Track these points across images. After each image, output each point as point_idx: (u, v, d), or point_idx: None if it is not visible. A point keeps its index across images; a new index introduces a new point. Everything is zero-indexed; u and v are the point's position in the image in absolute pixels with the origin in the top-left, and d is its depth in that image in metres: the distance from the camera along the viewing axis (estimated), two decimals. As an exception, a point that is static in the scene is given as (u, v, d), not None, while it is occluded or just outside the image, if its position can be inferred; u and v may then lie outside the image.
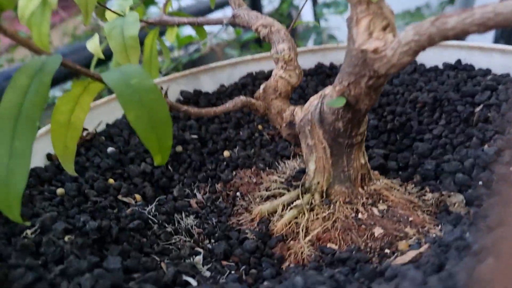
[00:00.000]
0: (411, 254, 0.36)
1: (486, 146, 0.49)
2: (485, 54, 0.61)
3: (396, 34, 0.37)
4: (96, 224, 0.41)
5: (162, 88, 0.69)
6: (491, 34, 1.62)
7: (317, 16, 1.81)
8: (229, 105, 0.48)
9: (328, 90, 0.45)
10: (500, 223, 0.20)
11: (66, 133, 0.42)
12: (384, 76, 0.37)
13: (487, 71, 0.61)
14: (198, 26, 0.79)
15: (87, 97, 0.43)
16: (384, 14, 0.37)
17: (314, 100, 0.46)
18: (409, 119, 0.59)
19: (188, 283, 0.37)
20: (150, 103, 0.36)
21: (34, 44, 0.37)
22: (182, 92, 0.71)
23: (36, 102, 0.33)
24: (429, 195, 0.49)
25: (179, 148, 0.62)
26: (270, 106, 0.51)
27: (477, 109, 0.54)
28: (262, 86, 0.52)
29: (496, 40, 1.45)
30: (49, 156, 0.55)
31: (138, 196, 0.52)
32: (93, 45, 0.72)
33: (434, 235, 0.42)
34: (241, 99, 0.49)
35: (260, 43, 1.85)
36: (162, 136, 0.36)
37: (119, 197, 0.51)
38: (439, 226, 0.44)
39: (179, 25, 0.70)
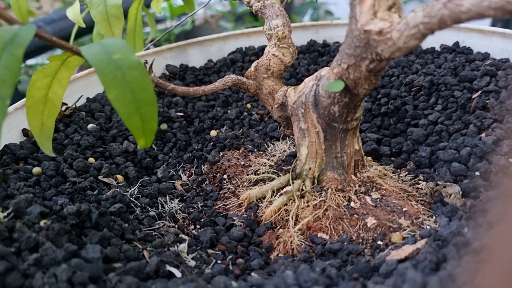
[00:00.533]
0: (408, 249, 0.34)
1: (483, 135, 0.47)
2: (484, 37, 0.59)
3: (402, 15, 0.35)
4: (74, 208, 0.39)
5: (146, 62, 0.66)
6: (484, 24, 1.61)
7: None
8: (218, 83, 0.45)
9: (324, 71, 0.42)
10: (500, 218, 0.19)
11: (43, 110, 0.39)
12: (387, 59, 0.34)
13: (486, 55, 0.59)
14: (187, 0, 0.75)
15: (66, 71, 0.40)
16: (390, -8, 0.34)
17: (309, 82, 0.44)
18: (404, 103, 0.57)
19: (171, 274, 0.35)
20: (134, 81, 0.33)
21: (7, 14, 0.34)
22: (168, 66, 0.68)
23: (6, 78, 0.30)
24: (423, 184, 0.47)
25: (164, 126, 0.59)
26: (261, 85, 0.49)
27: (475, 95, 0.52)
28: (254, 64, 0.49)
29: (494, 24, 1.43)
30: (25, 132, 0.52)
31: (120, 177, 0.50)
32: (73, 13, 0.68)
33: (429, 227, 0.40)
34: (231, 77, 0.46)
35: (256, 16, 1.81)
36: (147, 117, 0.33)
37: (100, 177, 0.49)
38: (434, 218, 0.42)
39: (166, -5, 0.66)
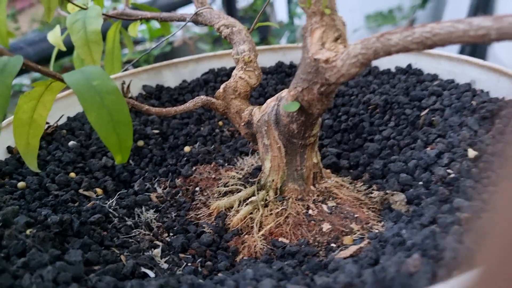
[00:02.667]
0: (352, 249, 0.39)
1: (429, 149, 0.53)
2: (433, 60, 0.66)
3: (347, 45, 0.40)
4: (57, 218, 0.43)
5: (124, 83, 0.70)
6: (454, 52, 1.71)
7: (291, 14, 1.83)
8: (189, 104, 0.50)
9: (284, 93, 0.47)
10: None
11: (28, 130, 0.43)
12: (334, 84, 0.40)
13: (435, 76, 0.65)
14: (162, 21, 0.80)
15: (49, 95, 0.44)
16: (336, 25, 0.40)
17: (271, 102, 0.49)
18: (362, 120, 0.62)
19: (146, 274, 0.39)
20: (111, 104, 0.38)
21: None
22: (144, 87, 0.72)
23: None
24: (375, 193, 0.53)
25: (140, 143, 0.63)
26: (229, 105, 0.54)
27: (423, 113, 0.58)
28: (222, 86, 0.54)
29: (463, 49, 1.52)
30: (9, 149, 0.56)
31: (99, 190, 0.54)
32: (54, 37, 0.72)
33: (376, 231, 0.45)
34: (201, 98, 0.51)
35: None
36: (123, 136, 0.38)
37: (80, 191, 0.53)
38: (382, 223, 0.47)
39: (141, 19, 0.71)
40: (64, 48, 0.72)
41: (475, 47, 1.51)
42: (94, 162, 0.57)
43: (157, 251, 0.44)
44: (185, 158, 0.62)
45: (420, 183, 0.49)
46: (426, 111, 0.58)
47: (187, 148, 0.64)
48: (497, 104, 0.53)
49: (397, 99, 0.62)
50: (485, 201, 0.39)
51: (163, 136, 0.66)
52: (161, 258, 0.43)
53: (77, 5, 0.63)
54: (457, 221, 0.37)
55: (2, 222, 0.41)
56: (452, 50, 1.71)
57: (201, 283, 0.35)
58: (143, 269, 0.40)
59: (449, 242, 0.33)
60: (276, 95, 0.49)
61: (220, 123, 0.69)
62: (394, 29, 0.36)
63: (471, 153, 0.48)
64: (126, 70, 0.72)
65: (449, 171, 0.47)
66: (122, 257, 0.41)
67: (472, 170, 0.45)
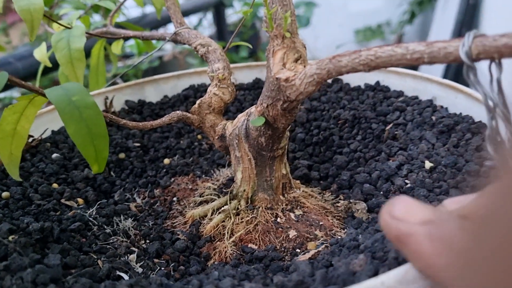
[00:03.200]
0: (312, 252, 0.43)
1: (391, 161, 0.57)
2: (399, 78, 0.70)
3: (307, 65, 0.44)
4: (38, 225, 0.45)
5: (107, 98, 0.74)
6: (440, 69, 1.77)
7: None
8: (165, 119, 0.53)
9: (253, 109, 0.51)
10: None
11: (11, 141, 0.46)
12: (295, 101, 0.43)
13: (400, 93, 0.69)
14: (144, 40, 0.84)
15: (32, 109, 0.47)
16: (296, 47, 0.43)
17: (241, 117, 0.52)
18: (332, 134, 0.66)
19: (121, 277, 0.42)
20: (89, 118, 0.41)
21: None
22: (127, 101, 0.76)
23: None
24: (341, 202, 0.56)
25: (121, 155, 0.66)
26: (204, 120, 0.57)
27: (388, 127, 0.62)
28: (197, 102, 0.57)
29: (447, 71, 1.58)
30: (-5, 161, 0.59)
31: (80, 200, 0.57)
32: (40, 54, 0.76)
33: (338, 237, 0.49)
34: (177, 113, 0.55)
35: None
36: (100, 148, 0.41)
37: (62, 200, 0.55)
38: (345, 230, 0.51)
39: (124, 38, 0.75)
40: (49, 65, 0.75)
41: (460, 70, 1.57)
42: (76, 174, 0.60)
43: (132, 256, 0.47)
44: (164, 170, 0.65)
45: (381, 192, 0.52)
46: (390, 125, 0.62)
47: (166, 161, 0.67)
48: (454, 119, 0.57)
49: (364, 114, 0.66)
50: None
51: (144, 149, 0.69)
52: (136, 263, 0.46)
53: (62, 25, 0.67)
54: (405, 226, 0.40)
55: (-15, 228, 0.44)
56: (436, 74, 1.77)
57: (169, 283, 0.38)
58: (118, 273, 0.43)
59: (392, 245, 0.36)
60: (246, 111, 0.52)
61: (199, 136, 0.73)
62: (383, 43, 0.40)
63: (428, 164, 0.52)
64: (113, 83, 0.75)
65: (406, 181, 0.51)
66: (99, 261, 0.44)
67: (426, 180, 0.49)
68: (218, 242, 0.51)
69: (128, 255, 0.47)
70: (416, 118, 0.61)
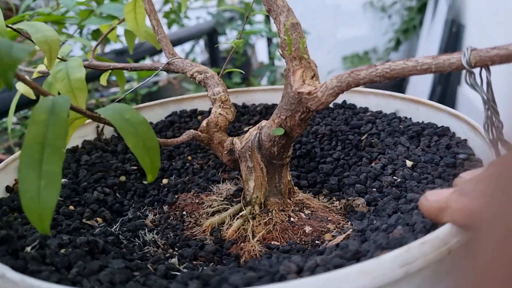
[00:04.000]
0: (340, 237, 0.50)
1: (373, 164, 0.66)
2: (363, 96, 0.81)
3: (319, 81, 0.52)
4: (85, 238, 0.48)
5: (98, 126, 0.77)
6: (426, 94, 1.95)
7: (271, 56, 1.97)
8: (185, 136, 0.58)
9: (264, 123, 0.58)
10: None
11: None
12: (313, 111, 0.52)
13: (366, 109, 0.80)
14: (118, 72, 0.88)
15: (71, 130, 0.51)
16: (311, 67, 0.52)
17: (253, 131, 0.59)
18: (314, 147, 0.75)
19: (176, 276, 0.46)
20: (143, 133, 0.46)
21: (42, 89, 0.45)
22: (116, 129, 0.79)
23: (59, 133, 0.41)
24: (336, 203, 0.64)
25: (122, 178, 0.70)
26: (212, 137, 0.63)
27: (363, 137, 0.72)
28: (205, 121, 0.63)
29: (434, 88, 1.75)
30: (8, 189, 0.60)
31: (99, 219, 0.59)
32: (23, 87, 0.77)
33: (347, 228, 0.57)
34: (192, 132, 0.60)
35: None
36: (154, 159, 0.46)
37: (84, 220, 0.58)
38: (350, 222, 0.59)
39: (112, 69, 0.79)
40: (33, 97, 0.77)
41: (445, 93, 1.76)
42: (88, 196, 0.63)
43: (174, 260, 0.51)
44: (166, 189, 0.69)
45: (374, 189, 0.61)
46: (366, 135, 0.72)
47: (165, 181, 0.72)
48: (420, 126, 0.68)
49: (340, 128, 0.76)
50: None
51: (141, 172, 0.73)
52: (179, 265, 0.50)
53: (59, 58, 0.70)
54: (415, 207, 0.49)
55: (38, 244, 0.46)
56: (423, 96, 1.95)
57: (238, 268, 0.44)
58: (172, 272, 0.47)
59: (416, 218, 0.45)
60: (257, 125, 0.59)
61: (190, 157, 0.78)
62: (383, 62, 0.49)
63: (409, 163, 0.62)
64: None
65: (395, 177, 0.61)
66: (149, 265, 0.48)
67: (413, 174, 0.59)
68: (243, 244, 0.56)
69: (169, 259, 0.51)
70: (387, 128, 0.72)
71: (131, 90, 0.72)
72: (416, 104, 0.72)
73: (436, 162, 0.60)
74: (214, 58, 2.18)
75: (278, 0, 0.53)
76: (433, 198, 0.38)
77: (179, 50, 2.58)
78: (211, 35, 2.16)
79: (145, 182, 0.65)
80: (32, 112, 0.42)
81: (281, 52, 0.53)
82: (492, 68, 0.42)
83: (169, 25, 2.21)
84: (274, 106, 0.86)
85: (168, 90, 1.81)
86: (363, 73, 0.46)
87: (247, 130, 0.82)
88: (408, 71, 0.44)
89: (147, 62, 1.10)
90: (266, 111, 0.85)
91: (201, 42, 2.33)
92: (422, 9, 2.86)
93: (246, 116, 0.86)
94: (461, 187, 0.38)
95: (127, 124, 0.45)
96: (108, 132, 0.78)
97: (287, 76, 0.52)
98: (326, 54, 3.39)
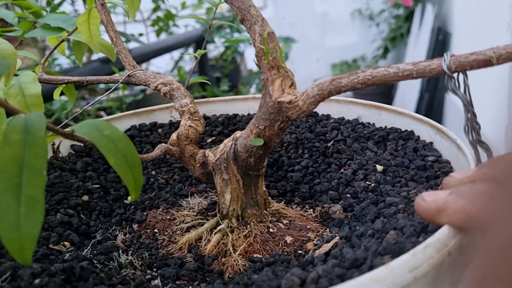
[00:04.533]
0: (328, 245, 0.50)
1: (343, 170, 0.67)
2: (325, 104, 0.82)
3: (297, 89, 0.52)
4: (61, 266, 0.45)
5: (54, 143, 0.72)
6: (414, 101, 1.97)
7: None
8: (158, 151, 0.56)
9: (239, 134, 0.57)
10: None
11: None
12: (293, 120, 0.51)
13: (328, 116, 0.81)
14: (67, 87, 0.84)
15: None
16: (289, 76, 0.52)
17: (228, 142, 0.58)
18: (280, 156, 0.75)
19: (164, 299, 0.44)
20: (124, 149, 0.43)
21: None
22: (73, 146, 0.75)
23: (38, 154, 0.38)
24: (310, 210, 0.64)
25: (85, 198, 0.66)
26: (183, 150, 0.61)
27: (330, 144, 0.73)
28: (175, 135, 0.61)
29: (422, 94, 1.78)
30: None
31: (67, 243, 0.55)
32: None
33: (327, 235, 0.57)
34: (163, 146, 0.58)
35: (204, 87, 1.94)
36: (137, 176, 0.44)
37: (51, 245, 0.54)
38: (328, 230, 0.59)
39: (66, 83, 0.74)
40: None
41: (433, 99, 1.79)
42: (52, 219, 0.58)
43: (157, 282, 0.48)
44: (132, 206, 0.66)
45: (348, 195, 0.62)
46: (332, 142, 0.73)
47: (130, 198, 0.68)
48: (385, 131, 0.70)
49: (305, 136, 0.76)
50: (406, 197, 0.54)
51: (104, 190, 0.69)
52: (163, 287, 0.48)
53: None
54: (397, 211, 0.50)
55: (10, 276, 0.42)
56: (411, 103, 1.98)
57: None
58: (159, 295, 0.44)
59: (403, 222, 0.45)
60: (232, 136, 0.58)
61: (153, 172, 0.75)
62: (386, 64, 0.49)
63: (379, 167, 0.63)
64: (98, 116, 0.74)
65: (368, 182, 0.62)
66: (133, 289, 0.45)
67: (386, 178, 0.60)
68: (224, 259, 0.55)
69: (152, 281, 0.49)
70: (352, 134, 0.73)
71: (88, 105, 0.68)
72: (377, 110, 0.74)
73: (406, 165, 0.61)
74: (203, 66, 2.16)
75: (252, 9, 0.52)
76: (430, 199, 0.39)
77: (167, 58, 2.56)
78: (199, 43, 2.14)
79: (126, 201, 0.61)
80: (5, 133, 0.38)
81: (257, 62, 0.53)
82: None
83: (158, 33, 2.19)
84: (235, 116, 0.85)
85: (155, 98, 1.76)
86: (345, 80, 0.47)
87: (210, 142, 0.80)
88: (390, 78, 0.45)
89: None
90: (228, 121, 0.84)
91: (191, 50, 2.31)
92: (409, 17, 2.96)
93: (208, 127, 0.84)
94: (458, 189, 0.39)
95: (107, 141, 0.43)
96: (64, 149, 0.73)
97: (265, 86, 0.52)
98: (315, 62, 3.45)
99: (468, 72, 0.42)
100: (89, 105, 0.70)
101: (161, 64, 2.58)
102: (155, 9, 2.20)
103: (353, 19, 3.50)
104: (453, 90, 0.43)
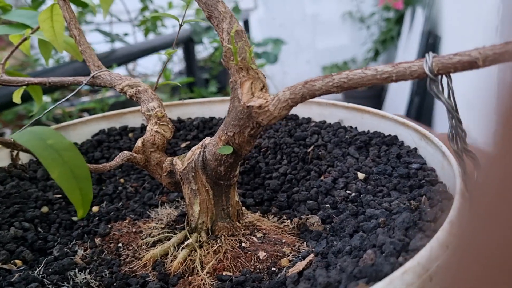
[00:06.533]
0: (302, 264, 0.46)
1: (322, 177, 0.63)
2: (305, 106, 0.78)
3: (268, 92, 0.48)
4: (2, 290, 0.40)
5: (13, 150, 0.67)
6: (403, 104, 1.94)
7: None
8: (118, 159, 0.51)
9: (207, 140, 0.53)
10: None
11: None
12: (264, 126, 0.47)
13: (309, 119, 0.77)
14: (33, 87, 0.79)
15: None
16: (260, 78, 0.47)
17: (196, 150, 0.53)
18: (258, 162, 0.70)
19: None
20: (70, 160, 0.39)
21: None
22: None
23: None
24: (287, 221, 0.60)
25: (44, 209, 0.61)
26: (149, 158, 0.56)
27: (310, 149, 0.69)
28: (140, 141, 0.56)
29: (412, 98, 1.74)
30: None
31: (18, 262, 0.51)
32: None
33: (304, 250, 0.52)
34: (126, 153, 0.53)
35: (191, 88, 1.90)
36: (85, 191, 0.39)
37: (-1, 264, 0.49)
38: (305, 243, 0.54)
39: (27, 85, 0.69)
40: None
41: (423, 103, 1.76)
42: (3, 234, 0.53)
43: (113, 306, 0.44)
44: (96, 218, 0.61)
45: (327, 205, 0.58)
46: (312, 147, 0.69)
47: (95, 208, 0.64)
48: (367, 135, 0.66)
49: (284, 141, 0.72)
50: (387, 209, 0.50)
51: (67, 200, 0.64)
52: (119, 312, 0.43)
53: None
54: (377, 225, 0.46)
55: None
56: (401, 106, 1.94)
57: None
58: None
59: (382, 239, 0.41)
60: (200, 143, 0.53)
61: (122, 180, 0.70)
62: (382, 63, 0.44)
63: (360, 175, 0.59)
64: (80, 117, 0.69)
65: (348, 192, 0.57)
66: (83, 316, 0.41)
67: (367, 188, 0.56)
68: (191, 277, 0.50)
69: (107, 305, 0.44)
70: (333, 138, 0.69)
71: (48, 110, 0.63)
72: (360, 113, 0.70)
73: (389, 173, 0.57)
74: (191, 67, 2.12)
75: (220, 5, 0.48)
76: None
77: (155, 58, 2.52)
78: (187, 44, 2.10)
79: (74, 218, 0.56)
80: None
81: (224, 63, 0.48)
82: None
83: (145, 33, 2.16)
84: (212, 119, 0.81)
85: None
86: (319, 83, 0.42)
87: (184, 147, 0.76)
88: (368, 81, 0.41)
89: (116, 71, 1.00)
90: (204, 125, 0.80)
91: (179, 51, 2.27)
92: (399, 20, 2.94)
93: (182, 131, 0.79)
94: None
95: (50, 151, 0.38)
96: (25, 156, 0.68)
97: (233, 89, 0.47)
98: (305, 64, 3.42)
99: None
100: (53, 106, 0.65)
101: (149, 65, 2.53)
102: (143, 9, 2.16)
103: (343, 21, 3.48)
104: (436, 95, 0.39)
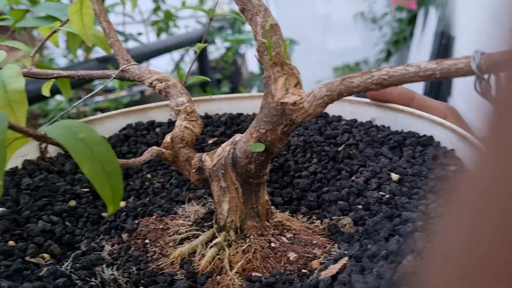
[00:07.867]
0: (336, 267, 0.44)
1: (354, 177, 0.61)
2: (336, 103, 0.75)
3: (303, 89, 0.46)
4: (31, 285, 0.39)
5: (42, 143, 0.67)
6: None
7: (261, 65, 1.92)
8: (148, 154, 0.51)
9: (238, 137, 0.51)
10: None
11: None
12: (299, 123, 0.45)
13: (339, 117, 0.75)
14: (62, 80, 0.79)
15: (9, 152, 0.42)
16: (295, 73, 0.46)
17: (226, 147, 0.52)
18: (287, 160, 0.69)
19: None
20: (101, 155, 0.38)
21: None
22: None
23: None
24: (317, 222, 0.58)
25: (72, 203, 0.61)
26: (178, 154, 0.55)
27: (340, 148, 0.67)
28: (169, 136, 0.55)
29: (426, 92, 1.73)
30: None
31: (46, 255, 0.50)
32: None
33: (335, 252, 0.51)
34: (155, 149, 0.52)
35: (204, 88, 1.92)
36: (115, 187, 0.38)
37: (27, 258, 0.49)
38: (336, 245, 0.53)
39: (56, 77, 0.69)
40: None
41: (439, 89, 1.74)
42: (32, 228, 0.53)
43: (141, 304, 0.43)
44: (123, 213, 0.61)
45: (359, 206, 0.56)
46: (343, 146, 0.67)
47: (122, 203, 0.63)
48: (401, 135, 0.64)
49: (314, 139, 0.70)
50: (425, 212, 0.48)
51: (94, 194, 0.64)
52: (147, 310, 0.42)
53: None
54: (415, 229, 0.44)
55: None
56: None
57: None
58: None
59: (421, 244, 0.39)
60: (231, 140, 0.52)
61: (149, 175, 0.70)
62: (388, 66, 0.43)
63: (394, 176, 0.57)
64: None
65: (381, 193, 0.55)
66: (112, 314, 0.40)
67: (402, 189, 0.54)
68: (219, 277, 0.49)
69: (135, 303, 0.43)
70: (365, 137, 0.67)
71: (77, 103, 0.63)
72: (394, 112, 0.68)
73: (425, 175, 0.55)
74: (203, 68, 2.13)
75: (254, -3, 0.46)
76: None
77: (167, 58, 2.51)
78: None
79: (104, 214, 0.56)
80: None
81: (258, 58, 0.47)
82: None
83: (158, 33, 2.18)
84: (240, 116, 0.80)
85: (154, 99, 1.75)
86: (357, 80, 0.40)
87: (212, 143, 0.75)
88: (410, 78, 0.39)
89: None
90: (232, 121, 0.78)
91: (191, 52, 2.30)
92: (412, 21, 2.91)
93: (209, 127, 0.78)
94: None
95: (82, 146, 0.37)
96: (53, 149, 0.68)
97: (267, 85, 0.46)
98: (316, 65, 3.40)
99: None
100: (79, 102, 0.65)
101: (161, 65, 2.53)
102: (156, 10, 2.17)
103: (355, 22, 3.43)
104: (484, 95, 0.37)
